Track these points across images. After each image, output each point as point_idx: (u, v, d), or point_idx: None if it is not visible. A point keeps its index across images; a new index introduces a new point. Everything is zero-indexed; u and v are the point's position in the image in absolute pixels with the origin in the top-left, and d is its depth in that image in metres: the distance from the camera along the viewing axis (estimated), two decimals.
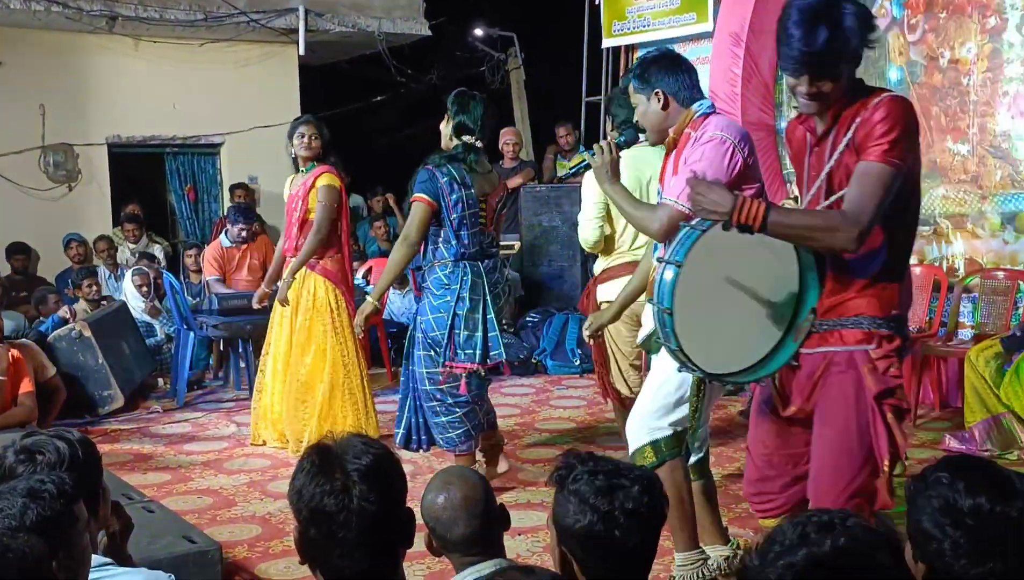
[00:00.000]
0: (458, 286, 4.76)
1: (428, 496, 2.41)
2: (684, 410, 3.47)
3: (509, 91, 13.66)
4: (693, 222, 2.78)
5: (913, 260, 6.86)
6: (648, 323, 3.67)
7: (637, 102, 3.61)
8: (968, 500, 1.75)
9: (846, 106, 2.75)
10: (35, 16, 9.32)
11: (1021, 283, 6.29)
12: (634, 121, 3.71)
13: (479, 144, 4.85)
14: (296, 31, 10.57)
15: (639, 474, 2.10)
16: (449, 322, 4.75)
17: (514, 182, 9.86)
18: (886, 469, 2.78)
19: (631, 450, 3.61)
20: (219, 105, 10.63)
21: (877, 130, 2.65)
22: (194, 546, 3.68)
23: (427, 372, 4.85)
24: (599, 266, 4.82)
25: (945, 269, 6.78)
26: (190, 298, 8.35)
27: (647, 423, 3.55)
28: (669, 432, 3.53)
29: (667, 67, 3.53)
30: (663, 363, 3.49)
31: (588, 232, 4.70)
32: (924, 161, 6.95)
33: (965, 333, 6.51)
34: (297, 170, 5.96)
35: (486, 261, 4.87)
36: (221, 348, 8.33)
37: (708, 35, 8.13)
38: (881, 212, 2.64)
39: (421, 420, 4.95)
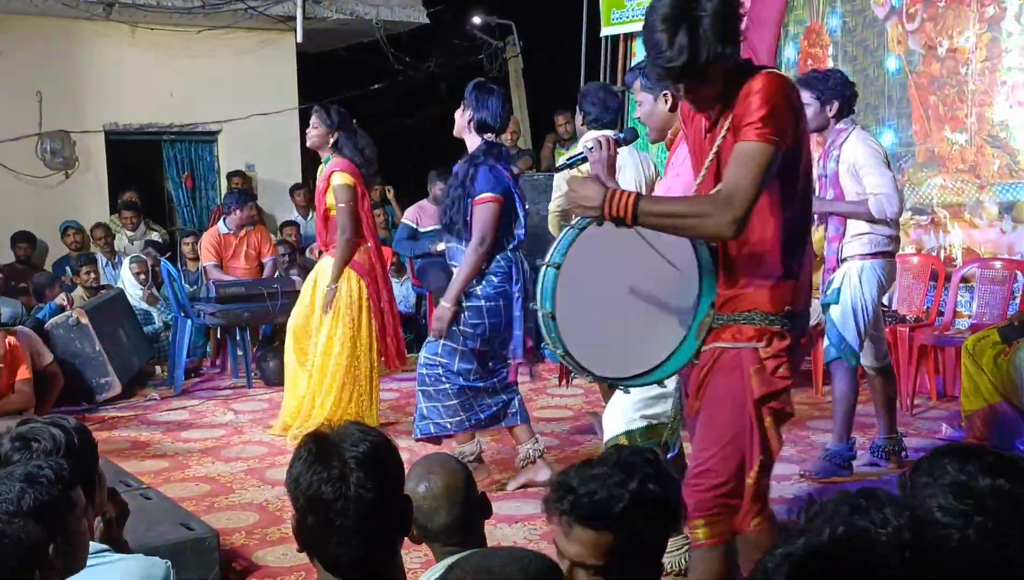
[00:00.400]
0: (518, 275, 4.70)
1: (409, 484, 2.36)
2: (663, 405, 3.46)
3: (507, 79, 13.62)
4: (573, 221, 2.69)
5: (910, 249, 6.93)
6: None
7: (642, 100, 3.67)
8: (987, 481, 1.71)
9: (734, 91, 2.60)
10: (32, 3, 9.30)
11: (1019, 273, 6.29)
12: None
13: (499, 139, 4.80)
14: (294, 18, 10.54)
15: (646, 472, 2.05)
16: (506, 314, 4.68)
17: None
18: (752, 478, 2.66)
19: (605, 439, 3.65)
20: (216, 93, 10.61)
21: (751, 107, 2.51)
22: (191, 533, 3.69)
23: (431, 356, 4.74)
24: None
25: (943, 258, 6.79)
26: (187, 286, 8.35)
27: (625, 415, 3.58)
28: (643, 424, 3.55)
29: None
30: None
31: (551, 224, 4.78)
32: (922, 150, 6.99)
33: (962, 322, 6.52)
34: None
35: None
36: (219, 336, 8.34)
37: None
38: (757, 193, 2.49)
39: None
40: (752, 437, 2.65)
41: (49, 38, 9.86)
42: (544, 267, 2.64)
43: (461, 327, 4.68)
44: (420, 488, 2.38)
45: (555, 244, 2.67)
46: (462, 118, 4.78)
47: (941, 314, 6.52)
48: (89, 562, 2.20)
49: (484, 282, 4.67)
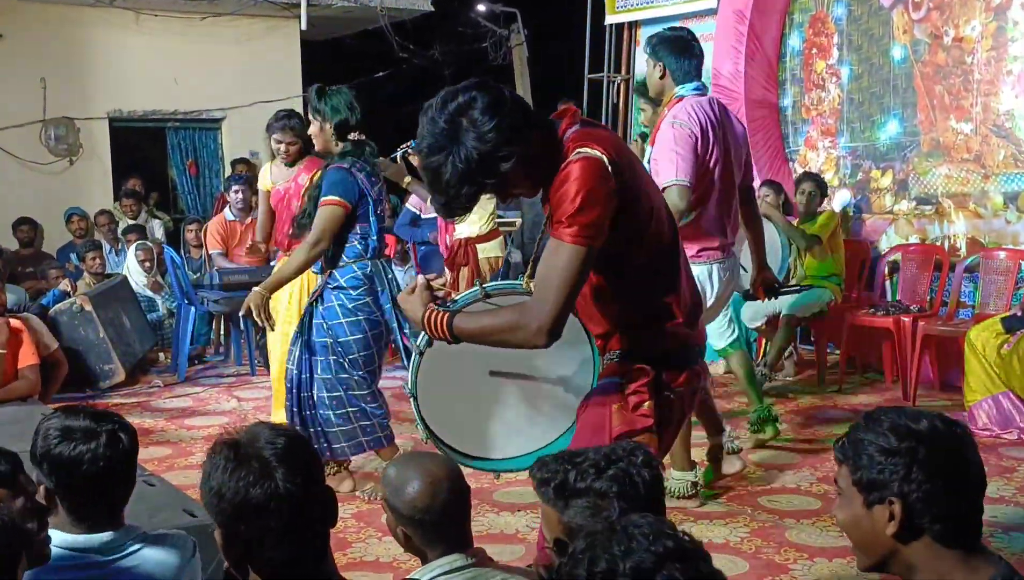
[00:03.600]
0: (382, 287, 4.58)
1: (407, 489, 2.19)
2: None
3: (512, 67, 13.60)
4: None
5: (914, 238, 6.91)
6: None
7: (646, 64, 4.41)
8: (924, 422, 1.73)
9: (555, 165, 2.39)
10: None
11: (1022, 263, 6.28)
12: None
13: (360, 136, 4.65)
14: (298, 5, 10.53)
15: (629, 447, 2.03)
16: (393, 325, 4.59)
17: None
18: None
19: None
20: (220, 80, 10.61)
21: (564, 200, 2.32)
22: (194, 520, 3.68)
23: (335, 378, 4.58)
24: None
25: (947, 248, 6.77)
26: (191, 273, 8.35)
27: None
28: None
29: (673, 49, 4.29)
30: None
31: None
32: (928, 140, 6.98)
33: (966, 313, 6.51)
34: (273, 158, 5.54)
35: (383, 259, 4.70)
36: (222, 323, 8.34)
37: (712, 12, 8.10)
38: (570, 296, 2.34)
39: (315, 430, 4.64)
40: None
41: (53, 24, 9.85)
42: (416, 350, 2.62)
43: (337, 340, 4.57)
44: (422, 490, 2.19)
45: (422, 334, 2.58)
46: (321, 133, 4.61)
47: (945, 304, 6.51)
48: (126, 561, 2.25)
49: (335, 296, 4.56)
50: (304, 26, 10.71)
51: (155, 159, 11.31)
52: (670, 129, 4.18)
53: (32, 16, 9.72)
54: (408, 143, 6.13)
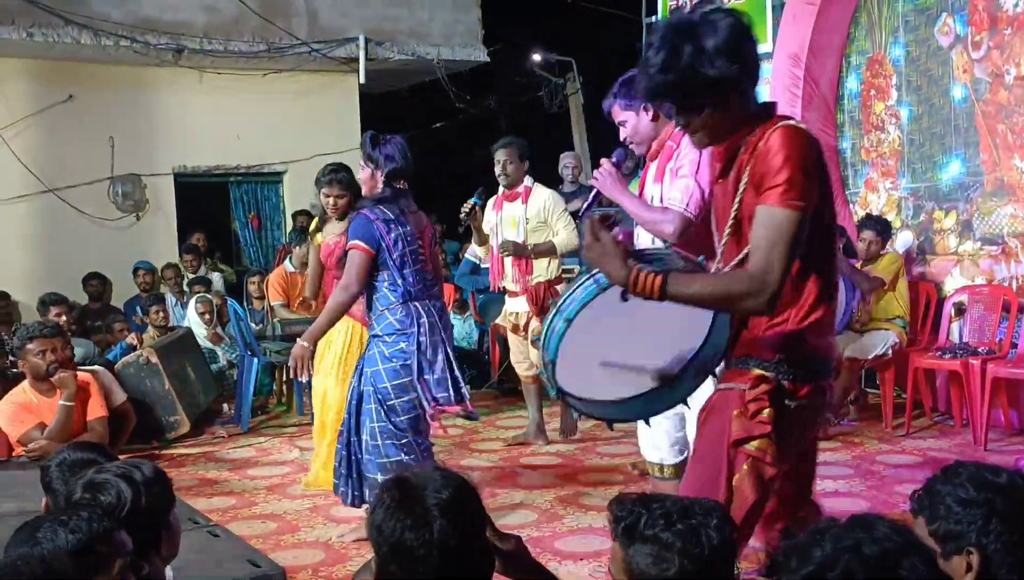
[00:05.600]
0: (415, 329, 4.60)
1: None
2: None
3: (568, 115, 13.70)
4: (595, 271, 2.55)
5: (981, 280, 6.78)
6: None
7: (625, 119, 3.82)
8: (1003, 476, 1.71)
9: (745, 136, 2.48)
10: (105, 51, 9.57)
11: None
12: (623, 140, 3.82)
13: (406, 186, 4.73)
14: (356, 60, 10.72)
15: (708, 506, 1.99)
16: (413, 367, 4.60)
17: (573, 206, 9.87)
18: None
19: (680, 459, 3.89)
20: (281, 134, 10.81)
21: (771, 167, 2.38)
22: (258, 570, 3.71)
23: (376, 426, 4.60)
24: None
25: (1015, 289, 6.64)
26: (253, 324, 8.46)
27: (670, 436, 3.88)
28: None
29: None
30: None
31: None
32: (991, 179, 6.88)
33: None
34: (323, 215, 5.61)
35: (435, 302, 4.71)
36: (284, 373, 8.42)
37: (768, 56, 8.09)
38: (790, 264, 2.38)
39: (356, 475, 4.69)
40: (719, 480, 2.55)
41: (121, 84, 10.14)
42: (553, 318, 2.59)
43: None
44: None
45: (570, 294, 2.58)
46: (372, 179, 4.70)
47: (1015, 346, 6.36)
48: None
49: (376, 344, 4.62)
50: (363, 80, 10.90)
51: (219, 213, 11.54)
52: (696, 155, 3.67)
53: (101, 77, 10.02)
54: (472, 200, 6.19)
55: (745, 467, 2.52)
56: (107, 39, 9.42)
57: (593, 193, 3.84)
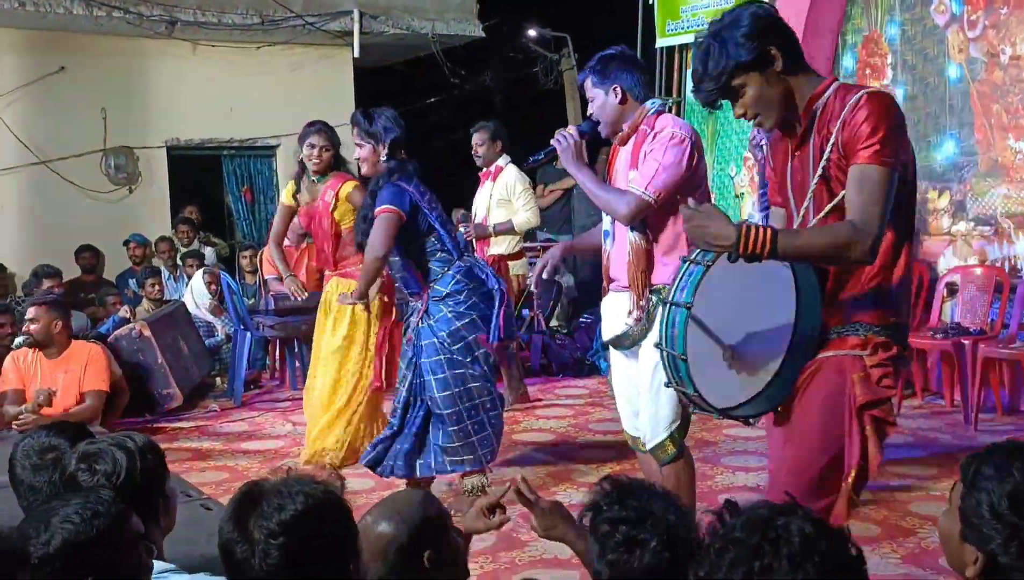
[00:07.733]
0: (484, 275, 4.80)
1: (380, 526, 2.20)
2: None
3: (563, 91, 13.65)
4: (692, 256, 2.62)
5: (974, 260, 6.80)
6: (611, 322, 3.83)
7: (594, 96, 3.77)
8: None
9: (814, 101, 2.67)
10: (97, 22, 9.50)
11: None
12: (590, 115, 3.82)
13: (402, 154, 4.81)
14: (351, 34, 10.67)
15: (663, 526, 1.95)
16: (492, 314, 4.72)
17: (566, 183, 9.86)
18: (849, 482, 2.66)
19: (650, 446, 3.75)
20: (275, 107, 10.76)
21: (863, 131, 2.55)
22: None
23: (453, 387, 4.64)
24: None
25: (1007, 270, 6.65)
26: (246, 299, 8.45)
27: (663, 422, 3.71)
28: (679, 422, 3.73)
29: (625, 65, 3.74)
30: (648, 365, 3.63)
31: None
32: (985, 160, 6.87)
33: None
34: (300, 177, 5.53)
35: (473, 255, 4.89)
36: (277, 348, 8.42)
37: None
38: (887, 216, 2.55)
39: (407, 447, 4.69)
40: (851, 443, 2.66)
41: (113, 56, 10.08)
42: (670, 306, 2.59)
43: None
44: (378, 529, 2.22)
45: (678, 282, 2.59)
46: (373, 154, 4.75)
47: (1006, 326, 6.38)
48: None
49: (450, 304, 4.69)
50: (357, 54, 10.85)
51: (211, 186, 11.50)
52: (676, 145, 3.60)
53: (93, 48, 9.96)
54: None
55: (870, 428, 2.67)
56: (99, 9, 9.35)
57: (548, 148, 3.82)
